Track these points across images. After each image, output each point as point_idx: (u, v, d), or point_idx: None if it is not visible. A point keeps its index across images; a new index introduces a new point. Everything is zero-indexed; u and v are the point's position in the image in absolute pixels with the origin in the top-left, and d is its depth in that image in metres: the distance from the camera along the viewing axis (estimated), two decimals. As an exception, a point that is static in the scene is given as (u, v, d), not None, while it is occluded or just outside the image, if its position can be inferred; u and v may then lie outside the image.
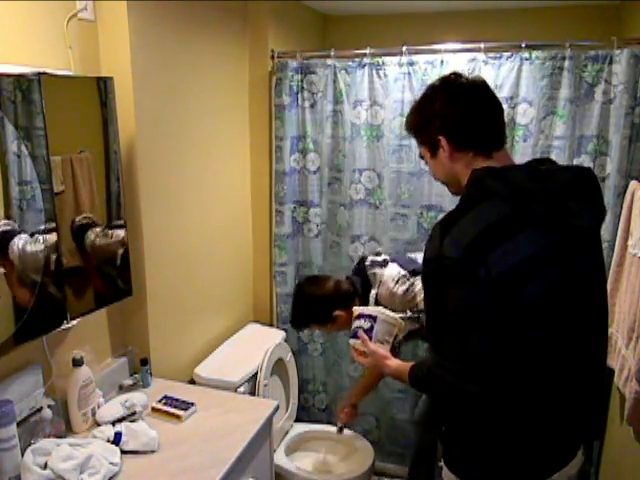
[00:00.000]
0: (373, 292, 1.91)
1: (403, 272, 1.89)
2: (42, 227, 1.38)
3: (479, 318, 1.01)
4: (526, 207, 1.02)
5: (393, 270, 1.91)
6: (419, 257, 1.96)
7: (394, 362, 1.31)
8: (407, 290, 1.84)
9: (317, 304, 1.98)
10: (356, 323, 1.45)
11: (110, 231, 1.62)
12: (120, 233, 1.65)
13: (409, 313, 1.78)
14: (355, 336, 1.43)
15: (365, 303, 1.91)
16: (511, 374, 1.03)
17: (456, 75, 1.21)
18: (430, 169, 1.28)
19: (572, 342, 1.08)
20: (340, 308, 1.93)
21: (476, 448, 1.14)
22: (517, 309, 1.01)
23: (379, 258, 1.98)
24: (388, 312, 1.45)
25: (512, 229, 1.01)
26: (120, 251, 1.66)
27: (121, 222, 1.65)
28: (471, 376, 1.03)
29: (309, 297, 2.01)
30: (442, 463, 1.23)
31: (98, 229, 1.57)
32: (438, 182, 1.29)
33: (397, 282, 1.87)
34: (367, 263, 1.97)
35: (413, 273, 1.86)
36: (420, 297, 1.81)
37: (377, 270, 1.93)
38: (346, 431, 2.39)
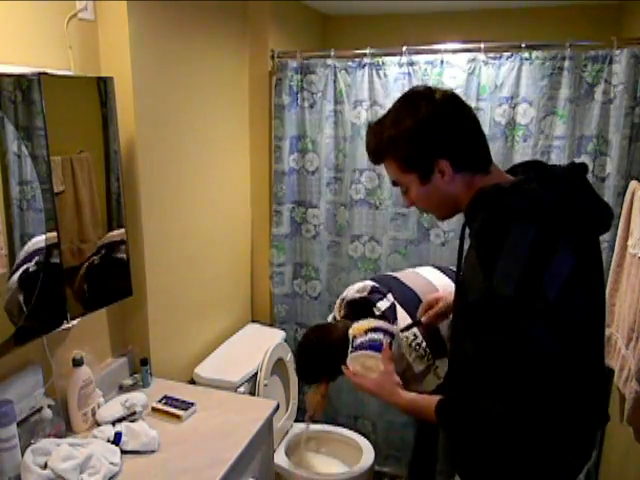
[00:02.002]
0: None
1: (419, 337, 1.61)
2: (42, 227, 1.38)
3: (549, 352, 0.96)
4: (552, 220, 0.98)
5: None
6: (418, 286, 1.75)
7: (406, 393, 1.17)
8: (422, 372, 1.64)
9: (328, 361, 1.68)
10: (372, 336, 1.26)
11: (110, 230, 1.62)
12: (120, 233, 1.65)
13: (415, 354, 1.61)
14: (371, 347, 1.22)
15: None
16: (569, 395, 1.00)
17: (429, 90, 1.08)
18: (412, 197, 1.14)
19: (598, 339, 1.08)
20: None
21: (500, 463, 1.08)
22: (573, 325, 0.98)
23: (386, 303, 1.70)
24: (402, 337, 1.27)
25: (549, 248, 0.96)
26: (120, 251, 1.66)
27: (121, 221, 1.65)
28: (534, 410, 0.97)
29: (318, 354, 1.73)
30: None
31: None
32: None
33: (416, 354, 1.62)
34: (377, 313, 1.69)
35: (433, 351, 1.61)
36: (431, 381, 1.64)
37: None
38: (347, 431, 2.39)
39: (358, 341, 1.27)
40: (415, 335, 1.61)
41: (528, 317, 0.95)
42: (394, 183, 1.16)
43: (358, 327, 1.30)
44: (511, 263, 0.95)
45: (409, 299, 1.70)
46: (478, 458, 1.12)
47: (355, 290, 1.79)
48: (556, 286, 0.94)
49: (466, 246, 1.13)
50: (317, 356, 1.73)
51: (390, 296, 1.71)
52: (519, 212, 0.98)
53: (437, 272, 1.81)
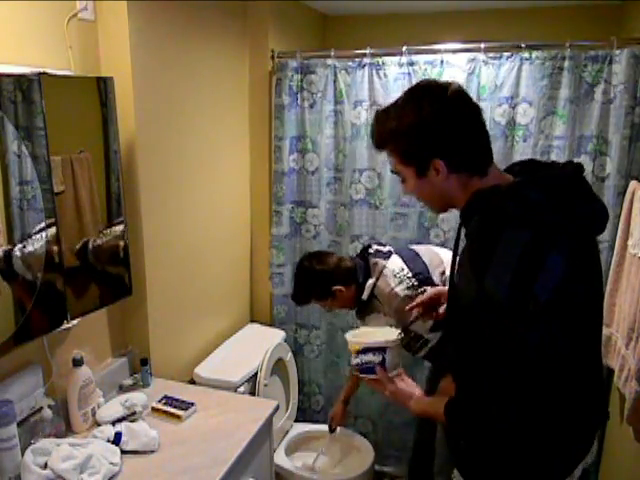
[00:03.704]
0: (371, 281, 1.89)
1: (406, 270, 1.86)
2: (42, 227, 1.38)
3: (539, 354, 0.97)
4: (547, 226, 0.97)
5: (396, 264, 1.88)
6: (421, 249, 1.97)
7: (420, 402, 1.21)
8: (409, 296, 1.77)
9: (317, 279, 1.97)
10: (363, 358, 1.26)
11: (110, 231, 1.62)
12: (120, 233, 1.65)
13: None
14: (368, 371, 1.26)
15: (361, 291, 1.91)
16: (567, 392, 1.01)
17: (437, 87, 1.07)
18: (408, 187, 1.15)
19: (595, 337, 1.10)
20: (340, 284, 1.93)
21: (498, 458, 1.09)
22: (565, 325, 0.98)
23: (384, 248, 1.97)
24: (389, 337, 1.29)
25: (541, 252, 0.96)
26: (120, 251, 1.66)
27: (121, 222, 1.65)
28: (533, 410, 0.99)
29: (309, 272, 1.99)
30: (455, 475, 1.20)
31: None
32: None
33: (400, 282, 1.83)
34: (371, 251, 1.96)
35: (418, 279, 1.83)
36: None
37: (379, 260, 1.91)
38: (347, 431, 2.39)
39: (354, 362, 1.30)
40: (402, 268, 1.87)
41: (520, 320, 0.95)
42: (393, 171, 1.18)
43: (351, 344, 1.30)
44: (502, 268, 0.96)
45: (418, 264, 1.90)
46: (477, 453, 1.13)
47: None
48: (548, 289, 0.94)
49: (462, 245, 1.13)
50: (308, 278, 2.01)
51: (390, 247, 2.00)
52: (513, 217, 0.98)
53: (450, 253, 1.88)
